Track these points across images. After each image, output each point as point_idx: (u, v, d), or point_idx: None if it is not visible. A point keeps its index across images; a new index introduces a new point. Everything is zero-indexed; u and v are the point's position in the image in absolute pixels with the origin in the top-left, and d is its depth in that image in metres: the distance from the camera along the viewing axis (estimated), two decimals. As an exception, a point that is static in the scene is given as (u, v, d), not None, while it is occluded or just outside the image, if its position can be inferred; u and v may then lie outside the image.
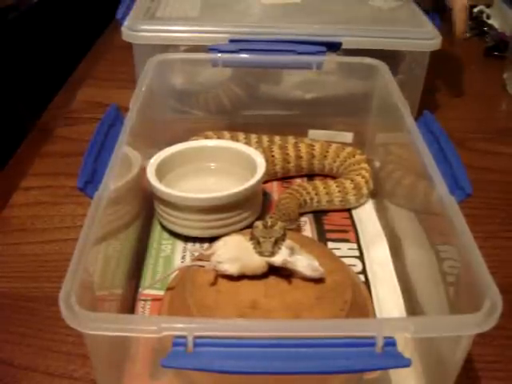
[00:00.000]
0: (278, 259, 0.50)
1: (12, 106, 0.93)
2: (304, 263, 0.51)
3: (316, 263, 0.51)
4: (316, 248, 0.56)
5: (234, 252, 0.51)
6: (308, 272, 0.51)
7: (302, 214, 0.67)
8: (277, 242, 0.51)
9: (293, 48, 0.71)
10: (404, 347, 0.38)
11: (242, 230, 0.62)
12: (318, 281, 0.51)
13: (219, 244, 0.53)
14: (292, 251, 0.51)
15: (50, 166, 0.79)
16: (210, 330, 0.38)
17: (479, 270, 0.42)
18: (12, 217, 0.70)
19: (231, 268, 0.51)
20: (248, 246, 0.52)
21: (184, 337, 0.37)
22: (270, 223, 0.53)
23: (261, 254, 0.50)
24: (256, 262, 0.51)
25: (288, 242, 0.52)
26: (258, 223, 0.53)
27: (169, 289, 0.55)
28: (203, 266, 0.52)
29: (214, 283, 0.51)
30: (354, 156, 0.72)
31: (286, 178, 0.75)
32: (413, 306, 0.56)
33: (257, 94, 0.82)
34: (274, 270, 0.51)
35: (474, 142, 0.85)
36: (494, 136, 0.88)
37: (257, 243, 0.51)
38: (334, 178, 0.73)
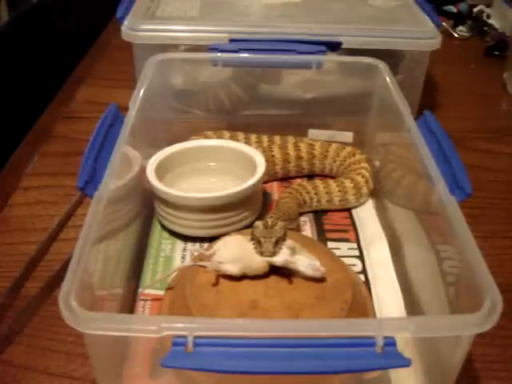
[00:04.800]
0: (279, 259, 0.50)
1: (12, 105, 0.92)
2: (305, 263, 0.51)
3: (317, 263, 0.51)
4: (316, 248, 0.56)
5: (235, 252, 0.51)
6: (309, 272, 0.51)
7: (301, 214, 0.67)
8: (278, 242, 0.51)
9: (293, 47, 0.71)
10: (404, 347, 0.38)
11: (241, 229, 0.62)
12: (318, 280, 0.51)
13: (220, 244, 0.53)
14: (293, 251, 0.51)
15: (50, 166, 0.79)
16: (209, 330, 0.38)
17: (479, 269, 0.42)
18: (12, 216, 0.70)
19: (232, 268, 0.51)
20: (249, 247, 0.52)
21: (184, 337, 0.37)
22: (270, 223, 0.53)
23: (262, 254, 0.50)
24: (257, 262, 0.51)
25: (289, 241, 0.52)
26: (259, 223, 0.53)
27: (169, 289, 0.55)
28: (205, 267, 0.52)
29: (214, 283, 0.51)
30: (354, 155, 0.72)
31: (286, 179, 0.75)
32: (413, 306, 0.56)
33: (257, 94, 0.82)
34: (275, 270, 0.51)
35: (474, 141, 0.85)
36: (494, 136, 0.88)
37: (258, 243, 0.51)
38: (334, 178, 0.73)
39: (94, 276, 0.47)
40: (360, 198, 0.70)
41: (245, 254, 0.51)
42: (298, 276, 0.51)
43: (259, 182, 0.64)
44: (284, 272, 0.51)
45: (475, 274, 0.42)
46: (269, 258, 0.50)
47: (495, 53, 1.10)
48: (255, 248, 0.51)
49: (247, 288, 0.51)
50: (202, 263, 0.53)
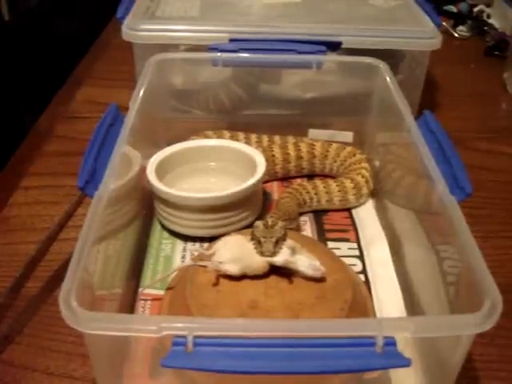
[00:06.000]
0: (279, 259, 0.50)
1: (12, 105, 0.93)
2: (305, 263, 0.51)
3: (317, 263, 0.51)
4: (316, 248, 0.56)
5: (235, 252, 0.51)
6: (309, 272, 0.51)
7: (301, 214, 0.67)
8: (278, 242, 0.51)
9: (293, 47, 0.71)
10: (404, 347, 0.38)
11: (241, 229, 0.62)
12: (319, 280, 0.51)
13: (220, 244, 0.53)
14: (293, 251, 0.51)
15: (50, 166, 0.79)
16: (209, 330, 0.38)
17: (479, 269, 0.42)
18: (12, 216, 0.70)
19: (232, 268, 0.51)
20: (249, 246, 0.52)
21: (184, 336, 0.37)
22: (270, 223, 0.53)
23: (262, 254, 0.50)
24: (257, 262, 0.51)
25: (289, 241, 0.52)
26: (259, 223, 0.53)
27: (169, 288, 0.55)
28: (205, 266, 0.52)
29: (215, 283, 0.51)
30: (354, 155, 0.72)
31: (286, 179, 0.75)
32: (413, 306, 0.56)
33: (257, 94, 0.82)
34: (275, 270, 0.51)
35: (474, 141, 0.85)
36: (494, 136, 0.88)
37: (258, 243, 0.51)
38: (334, 178, 0.73)
39: (94, 276, 0.47)
40: (360, 198, 0.70)
41: (245, 253, 0.51)
42: (298, 276, 0.51)
43: (259, 182, 0.64)
44: (284, 272, 0.51)
45: (475, 274, 0.42)
46: (269, 258, 0.50)
47: (495, 53, 1.10)
48: (255, 248, 0.51)
49: (247, 288, 0.51)
50: (202, 263, 0.53)
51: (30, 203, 0.72)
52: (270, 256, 0.50)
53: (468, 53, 1.13)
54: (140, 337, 0.45)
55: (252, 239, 0.52)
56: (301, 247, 0.53)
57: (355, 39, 0.74)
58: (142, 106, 0.62)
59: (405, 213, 0.64)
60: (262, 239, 0.51)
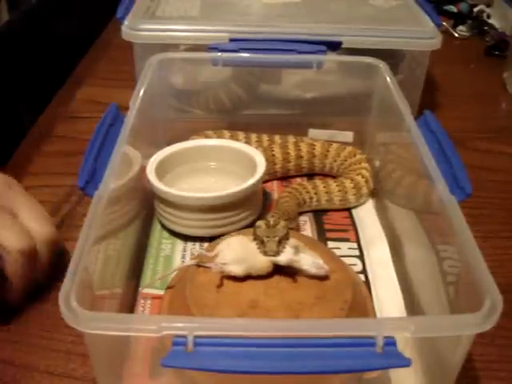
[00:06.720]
0: (283, 258, 0.50)
1: (12, 105, 0.92)
2: (309, 261, 0.51)
3: (320, 261, 0.51)
4: (316, 247, 0.56)
5: (239, 253, 0.51)
6: (313, 270, 0.51)
7: (301, 214, 0.67)
8: (281, 241, 0.51)
9: (293, 47, 0.71)
10: (404, 347, 0.38)
11: (241, 229, 0.62)
12: (320, 279, 0.51)
13: (223, 245, 0.53)
14: (296, 250, 0.51)
15: (50, 165, 0.79)
16: (209, 330, 0.38)
17: (479, 269, 0.42)
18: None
19: (237, 269, 0.50)
20: (252, 247, 0.52)
21: (184, 336, 0.37)
22: (272, 222, 0.53)
23: (266, 253, 0.50)
24: (261, 262, 0.51)
25: (292, 240, 0.52)
26: (261, 223, 0.53)
27: (169, 288, 0.55)
28: (209, 267, 0.52)
29: (219, 285, 0.51)
30: (354, 155, 0.72)
31: (286, 178, 0.75)
32: (413, 306, 0.56)
33: (257, 94, 0.82)
34: (278, 269, 0.51)
35: (474, 141, 0.85)
36: (495, 136, 0.88)
37: (261, 243, 0.51)
38: (334, 177, 0.73)
39: (94, 275, 0.47)
40: (360, 198, 0.70)
41: (248, 254, 0.51)
42: (302, 275, 0.51)
43: (259, 182, 0.64)
44: (287, 271, 0.51)
45: (475, 274, 0.42)
46: (273, 258, 0.50)
47: (495, 52, 1.10)
48: (258, 248, 0.51)
49: (247, 287, 0.51)
50: (205, 264, 0.52)
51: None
52: (274, 255, 0.50)
53: (468, 53, 1.13)
54: (140, 336, 0.45)
55: (255, 239, 0.52)
56: (304, 246, 0.53)
57: (355, 39, 0.74)
58: (142, 105, 0.62)
59: (405, 213, 0.64)
60: (265, 239, 0.51)
